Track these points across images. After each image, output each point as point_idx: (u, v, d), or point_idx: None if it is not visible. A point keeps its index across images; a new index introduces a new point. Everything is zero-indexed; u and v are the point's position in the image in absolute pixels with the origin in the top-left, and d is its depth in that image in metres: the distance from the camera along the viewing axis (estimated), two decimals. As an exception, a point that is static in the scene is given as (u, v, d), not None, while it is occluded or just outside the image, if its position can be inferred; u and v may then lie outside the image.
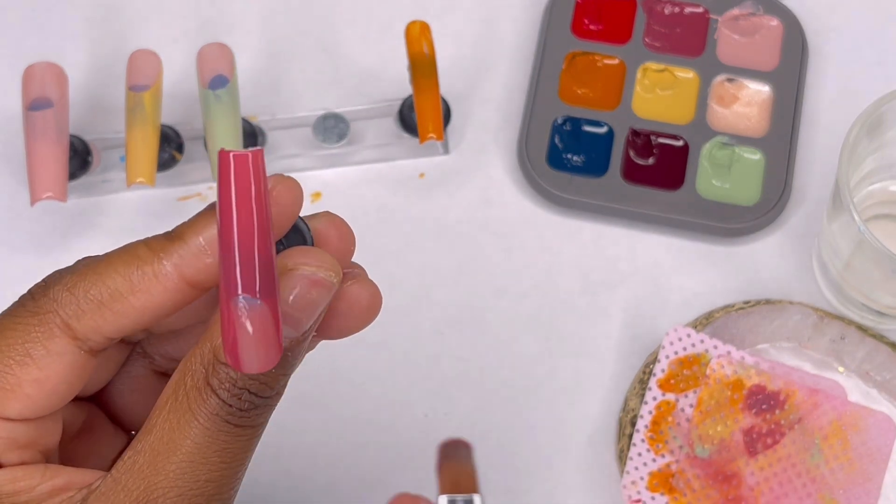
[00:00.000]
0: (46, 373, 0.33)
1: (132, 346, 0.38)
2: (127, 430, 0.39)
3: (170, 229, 0.34)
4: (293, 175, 0.62)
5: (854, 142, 0.49)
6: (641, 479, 0.51)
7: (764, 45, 0.60)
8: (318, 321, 0.32)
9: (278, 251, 0.32)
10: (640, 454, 0.51)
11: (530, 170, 0.58)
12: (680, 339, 0.52)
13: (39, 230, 0.58)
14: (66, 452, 0.36)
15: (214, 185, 0.59)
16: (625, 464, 0.52)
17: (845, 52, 0.61)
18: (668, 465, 0.51)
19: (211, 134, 0.55)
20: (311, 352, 0.36)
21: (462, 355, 0.56)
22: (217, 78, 0.55)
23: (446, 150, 0.60)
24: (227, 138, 0.54)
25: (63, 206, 0.58)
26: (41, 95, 0.55)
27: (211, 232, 0.32)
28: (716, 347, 0.52)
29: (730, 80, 0.60)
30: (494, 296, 0.57)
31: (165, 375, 0.38)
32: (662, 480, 0.51)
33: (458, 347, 0.56)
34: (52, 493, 0.33)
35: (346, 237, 0.35)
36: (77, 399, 0.37)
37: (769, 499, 0.50)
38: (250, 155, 0.30)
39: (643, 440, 0.51)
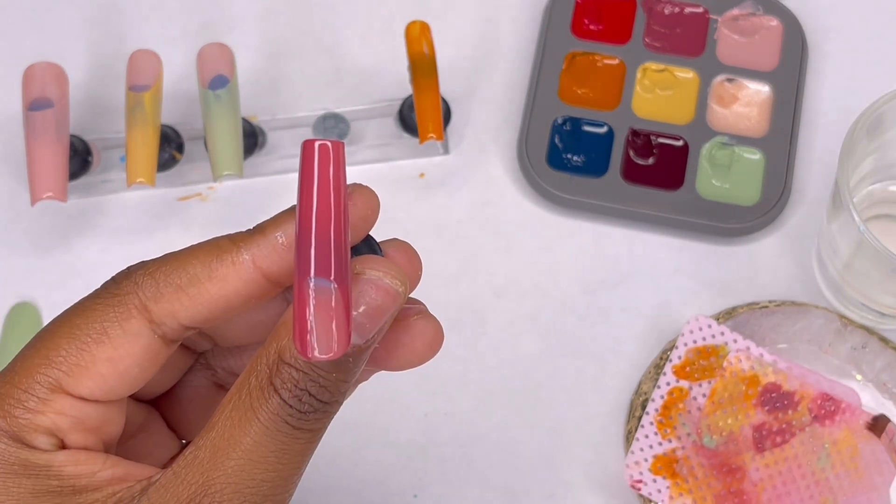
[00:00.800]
0: (120, 352, 0.34)
1: (197, 355, 0.39)
2: (181, 437, 0.39)
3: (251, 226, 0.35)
4: (293, 175, 0.62)
5: (854, 142, 0.49)
6: (645, 460, 0.51)
7: (764, 46, 0.60)
8: (381, 332, 0.33)
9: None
10: (646, 436, 0.51)
11: (530, 170, 0.58)
12: (700, 329, 0.52)
13: (39, 230, 0.58)
14: (123, 450, 0.37)
15: (214, 185, 0.59)
16: (630, 444, 0.52)
17: (845, 52, 0.61)
18: (673, 451, 0.51)
19: (211, 134, 0.55)
20: (364, 383, 0.36)
21: (462, 355, 0.56)
22: (217, 78, 0.55)
23: (446, 150, 0.60)
24: (227, 138, 0.54)
25: (63, 206, 0.58)
26: (41, 95, 0.55)
27: (290, 227, 0.33)
28: (735, 341, 0.52)
29: (729, 80, 0.60)
30: (494, 296, 0.57)
31: (225, 389, 0.39)
32: (666, 465, 0.51)
33: (458, 347, 0.56)
34: (112, 482, 0.33)
35: (414, 263, 0.36)
36: (138, 400, 0.38)
37: (771, 496, 0.50)
38: (331, 144, 0.31)
39: (652, 423, 0.51)
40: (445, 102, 0.58)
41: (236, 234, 0.34)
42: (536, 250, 0.58)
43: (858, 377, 0.53)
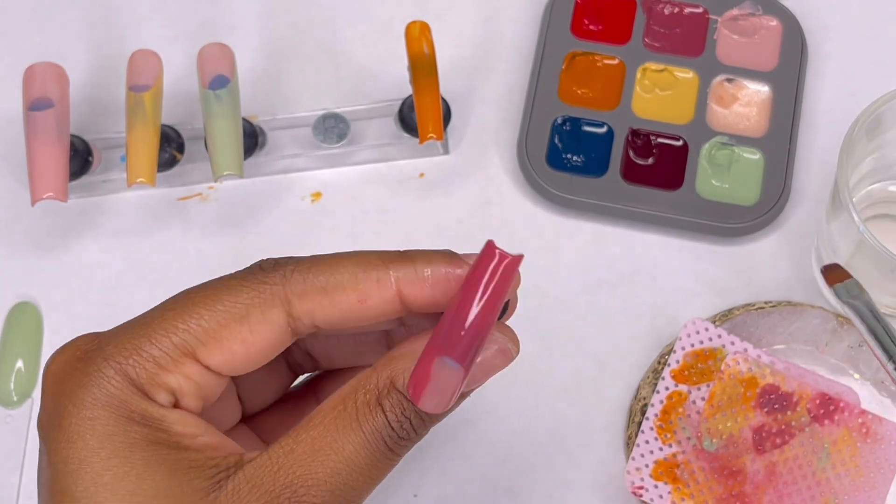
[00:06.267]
0: (256, 336, 0.36)
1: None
2: (244, 410, 0.42)
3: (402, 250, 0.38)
4: (293, 175, 0.62)
5: (853, 142, 0.49)
6: (646, 466, 0.51)
7: (763, 46, 0.60)
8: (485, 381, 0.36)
9: None
10: (647, 442, 0.51)
11: (530, 170, 0.58)
12: (697, 332, 0.52)
13: (40, 230, 0.58)
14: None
15: (215, 185, 0.59)
16: (631, 450, 0.52)
17: (845, 52, 0.61)
18: (674, 456, 0.51)
19: (211, 134, 0.55)
20: None
21: (462, 355, 0.56)
22: (217, 78, 0.56)
23: (446, 150, 0.60)
24: (228, 138, 0.54)
25: (64, 206, 0.58)
26: (42, 96, 0.55)
27: (439, 269, 0.37)
28: (732, 343, 0.52)
29: (729, 81, 0.60)
30: (494, 295, 0.57)
31: (293, 371, 0.43)
32: (667, 470, 0.51)
33: (458, 347, 0.56)
34: (208, 448, 0.36)
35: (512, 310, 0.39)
36: None
37: (772, 498, 0.50)
38: (511, 260, 0.34)
39: (652, 428, 0.51)
40: (445, 102, 0.58)
41: (385, 253, 0.37)
42: (536, 250, 0.58)
43: (856, 376, 0.53)
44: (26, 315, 0.56)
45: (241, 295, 0.36)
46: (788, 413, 0.51)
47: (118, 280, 0.57)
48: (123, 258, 0.58)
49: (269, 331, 0.36)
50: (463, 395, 0.36)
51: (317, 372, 0.44)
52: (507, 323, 0.38)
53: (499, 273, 0.34)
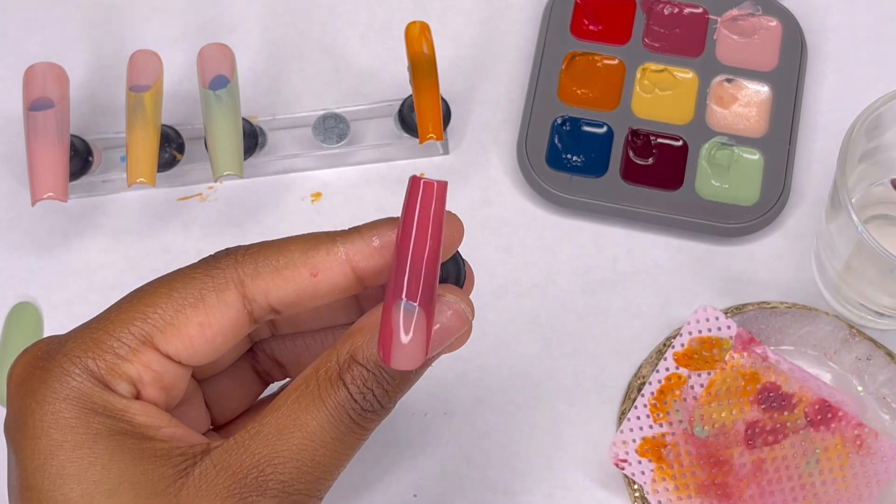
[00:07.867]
0: (212, 319, 0.36)
1: (251, 343, 0.42)
2: (213, 417, 0.42)
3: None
4: (293, 175, 0.62)
5: (852, 142, 0.49)
6: (633, 441, 0.51)
7: (763, 46, 0.60)
8: (444, 350, 0.36)
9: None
10: (638, 417, 0.51)
11: (530, 170, 0.58)
12: (707, 320, 0.52)
13: (40, 230, 0.58)
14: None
15: (215, 185, 0.59)
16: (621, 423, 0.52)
17: (844, 52, 0.61)
18: (663, 435, 0.51)
19: (211, 134, 0.55)
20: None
21: (462, 355, 0.56)
22: (217, 78, 0.56)
23: (446, 151, 0.60)
24: (228, 139, 0.55)
25: (64, 206, 0.58)
26: (42, 96, 0.55)
27: (386, 235, 0.37)
28: (740, 337, 0.52)
29: (729, 81, 0.60)
30: (494, 296, 0.57)
31: (261, 376, 0.43)
32: (653, 448, 0.51)
33: (457, 347, 0.56)
34: (173, 438, 0.36)
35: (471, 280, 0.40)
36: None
37: (754, 493, 0.50)
38: (436, 185, 0.34)
39: (645, 405, 0.51)
40: (445, 102, 0.58)
41: (333, 231, 0.37)
42: (536, 250, 0.58)
43: (860, 388, 0.53)
44: (26, 315, 0.56)
45: (195, 281, 0.36)
46: (785, 413, 0.51)
47: (118, 280, 0.57)
48: (123, 258, 0.58)
49: (225, 314, 0.36)
50: (425, 364, 0.36)
51: (287, 380, 0.44)
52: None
53: (431, 200, 0.34)
